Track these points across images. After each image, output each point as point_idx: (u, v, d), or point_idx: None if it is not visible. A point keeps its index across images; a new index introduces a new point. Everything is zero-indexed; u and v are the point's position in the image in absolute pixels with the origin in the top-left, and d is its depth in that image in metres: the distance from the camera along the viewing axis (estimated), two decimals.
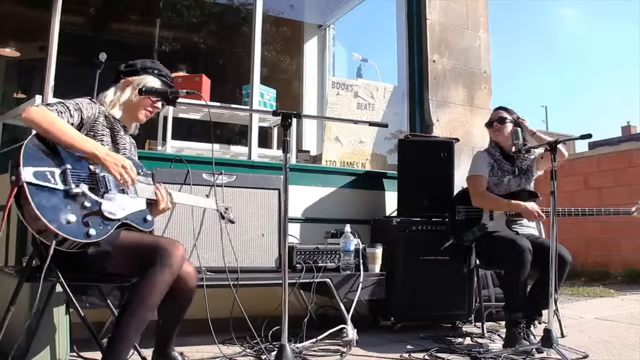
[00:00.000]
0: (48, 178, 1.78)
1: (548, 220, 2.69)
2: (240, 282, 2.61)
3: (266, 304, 2.88)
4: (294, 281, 2.76)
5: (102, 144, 2.00)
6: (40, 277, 1.82)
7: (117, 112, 2.15)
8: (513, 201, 2.97)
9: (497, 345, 2.77)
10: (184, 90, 2.23)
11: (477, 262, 3.24)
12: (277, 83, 5.31)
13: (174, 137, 4.07)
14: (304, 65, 5.83)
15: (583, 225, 6.64)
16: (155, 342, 2.12)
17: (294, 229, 3.39)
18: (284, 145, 2.16)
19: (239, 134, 6.25)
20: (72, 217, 1.77)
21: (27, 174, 1.73)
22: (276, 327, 2.73)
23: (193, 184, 2.73)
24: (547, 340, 2.47)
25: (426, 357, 2.63)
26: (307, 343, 2.71)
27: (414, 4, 4.42)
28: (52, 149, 1.85)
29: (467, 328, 3.39)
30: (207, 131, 4.77)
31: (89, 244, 1.84)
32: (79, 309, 1.96)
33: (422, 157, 3.51)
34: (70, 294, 1.94)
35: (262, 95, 4.07)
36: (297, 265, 2.91)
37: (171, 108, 3.97)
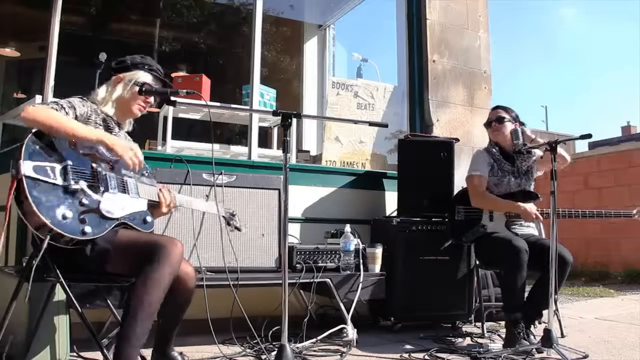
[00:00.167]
0: (48, 173, 1.78)
1: (548, 220, 2.69)
2: (240, 282, 2.61)
3: (266, 304, 2.88)
4: (294, 281, 2.76)
5: None
6: (40, 276, 1.83)
7: (109, 109, 2.14)
8: (512, 202, 2.97)
9: (497, 345, 2.77)
10: (184, 90, 2.23)
11: (477, 262, 3.24)
12: (277, 83, 5.31)
13: (174, 137, 4.08)
14: (304, 65, 5.84)
15: (583, 225, 6.63)
16: (155, 342, 2.12)
17: (294, 229, 3.39)
18: (284, 145, 2.16)
19: (239, 134, 6.25)
20: (69, 213, 1.77)
21: (27, 167, 1.73)
22: (276, 327, 2.74)
23: (193, 184, 2.73)
24: (547, 340, 2.47)
25: (426, 357, 2.63)
26: (307, 343, 2.71)
27: (414, 4, 4.42)
28: (54, 146, 1.85)
29: (467, 328, 3.39)
30: (207, 131, 4.78)
31: (84, 241, 1.83)
32: (79, 309, 1.96)
33: (422, 157, 3.51)
34: (70, 294, 1.93)
35: (262, 95, 4.08)
36: (297, 265, 2.91)
37: (171, 108, 3.98)
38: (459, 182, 3.50)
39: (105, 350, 2.04)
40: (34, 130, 1.84)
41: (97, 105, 2.11)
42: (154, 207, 2.11)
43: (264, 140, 4.84)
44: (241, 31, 6.58)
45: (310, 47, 5.87)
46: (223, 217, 2.44)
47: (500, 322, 3.38)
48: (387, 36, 4.97)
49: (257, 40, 3.85)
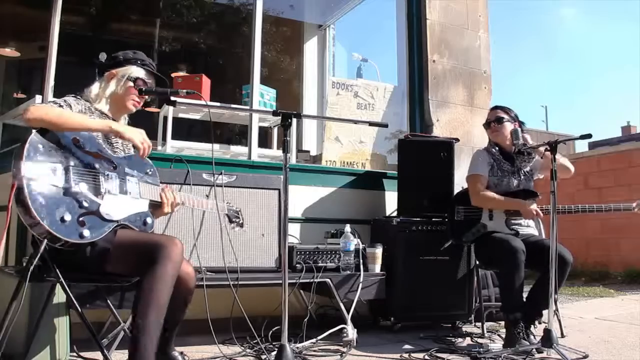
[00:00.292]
0: (49, 175, 1.78)
1: (548, 219, 2.68)
2: (240, 282, 2.61)
3: (266, 304, 2.88)
4: (294, 281, 2.76)
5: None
6: (40, 276, 1.82)
7: (104, 106, 2.13)
8: (511, 199, 2.98)
9: (497, 345, 2.77)
10: (184, 90, 2.23)
11: (477, 262, 3.24)
12: (277, 83, 5.31)
13: (174, 137, 4.08)
14: (304, 65, 5.84)
15: (583, 225, 6.64)
16: None
17: (294, 229, 3.39)
18: (284, 145, 2.16)
19: (239, 134, 6.26)
20: (68, 216, 1.76)
21: (28, 169, 1.73)
22: (276, 327, 2.74)
23: (193, 184, 2.73)
24: (547, 340, 2.47)
25: (426, 357, 2.63)
26: (307, 343, 2.71)
27: (414, 4, 4.42)
28: (57, 145, 1.84)
29: (467, 328, 3.39)
30: (207, 131, 4.78)
31: (82, 245, 1.83)
32: (79, 309, 1.96)
33: (422, 157, 3.51)
34: (70, 294, 1.93)
35: (262, 95, 4.08)
36: (297, 265, 2.91)
37: (171, 108, 3.98)
38: (459, 182, 3.50)
39: (105, 350, 2.04)
40: (37, 129, 1.82)
41: (90, 102, 2.10)
42: (156, 206, 2.11)
43: (264, 140, 4.84)
44: (241, 31, 6.58)
45: (310, 47, 5.87)
46: (227, 215, 2.44)
47: (500, 322, 3.38)
48: (387, 36, 4.98)
49: (257, 40, 3.85)
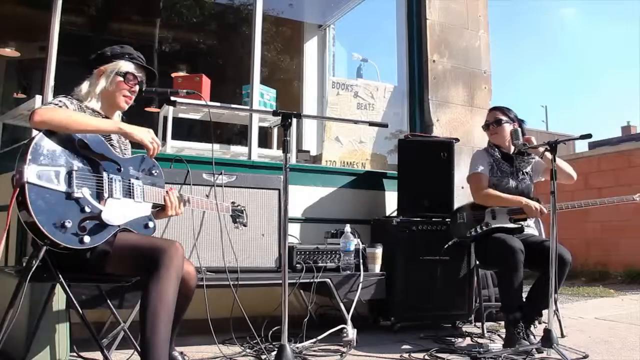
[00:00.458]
0: (51, 179, 1.76)
1: (548, 219, 2.68)
2: (240, 282, 2.61)
3: (266, 304, 2.88)
4: (294, 281, 2.76)
5: None
6: (40, 276, 1.82)
7: (95, 104, 2.10)
8: (514, 196, 2.97)
9: (497, 345, 2.77)
10: (184, 90, 2.22)
11: (477, 262, 3.24)
12: (277, 83, 5.32)
13: (174, 137, 4.08)
14: (304, 65, 5.83)
15: (583, 225, 6.64)
16: None
17: (294, 229, 3.39)
18: (284, 145, 2.16)
19: (239, 134, 6.25)
20: (69, 223, 1.75)
21: (31, 173, 1.71)
22: (276, 327, 2.73)
23: (193, 184, 2.73)
24: (547, 340, 2.47)
25: (426, 357, 2.63)
26: (307, 343, 2.71)
27: (414, 4, 4.42)
28: (63, 147, 1.83)
29: (467, 328, 3.39)
30: (207, 131, 4.77)
31: (83, 250, 1.83)
32: (79, 309, 1.96)
33: (422, 157, 3.51)
34: (70, 294, 1.93)
35: (262, 95, 4.07)
36: (297, 265, 2.91)
37: (171, 108, 3.98)
38: (459, 182, 3.50)
39: (105, 350, 2.05)
40: (44, 130, 1.81)
41: (81, 101, 2.08)
42: (159, 209, 2.11)
43: (264, 140, 4.83)
44: (241, 31, 6.58)
45: (310, 47, 5.87)
46: (231, 216, 2.44)
47: (500, 322, 3.38)
48: (387, 36, 4.98)
49: (257, 40, 3.85)
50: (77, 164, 1.84)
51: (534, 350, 2.57)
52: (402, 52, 4.47)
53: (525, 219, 3.02)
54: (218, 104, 4.01)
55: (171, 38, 6.94)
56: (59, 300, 2.23)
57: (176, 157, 3.04)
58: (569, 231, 5.89)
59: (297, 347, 2.63)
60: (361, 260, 3.02)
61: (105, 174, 1.92)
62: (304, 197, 3.53)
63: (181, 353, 2.20)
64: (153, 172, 2.11)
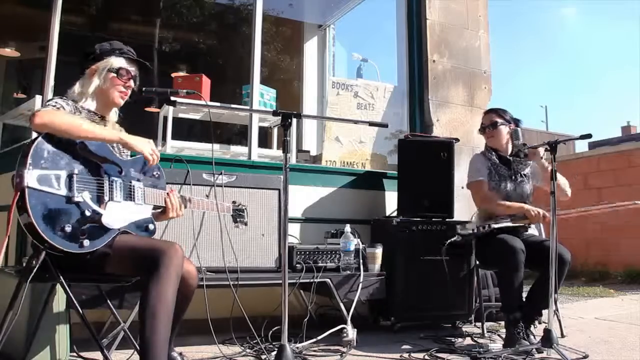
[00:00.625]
0: (52, 183, 1.76)
1: (548, 220, 2.68)
2: (240, 282, 2.61)
3: (266, 304, 2.88)
4: (294, 281, 2.76)
5: None
6: (40, 276, 1.82)
7: (90, 104, 2.08)
8: (516, 203, 2.97)
9: (497, 345, 2.77)
10: (184, 90, 2.22)
11: (477, 262, 3.24)
12: (277, 83, 5.32)
13: (174, 137, 4.08)
14: (304, 65, 5.84)
15: (583, 225, 6.63)
16: None
17: (294, 229, 3.39)
18: (284, 145, 2.16)
19: (239, 134, 6.25)
20: (68, 227, 1.75)
21: (31, 177, 1.71)
22: (276, 327, 2.73)
23: (193, 184, 2.73)
24: (547, 340, 2.47)
25: (426, 357, 2.63)
26: (307, 343, 2.71)
27: (414, 4, 4.42)
28: (64, 150, 1.82)
29: (467, 328, 3.39)
30: (207, 131, 4.77)
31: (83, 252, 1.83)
32: (79, 309, 1.96)
33: (422, 157, 3.51)
34: (70, 294, 1.93)
35: (262, 95, 4.07)
36: (297, 265, 2.91)
37: (171, 108, 3.98)
38: (459, 182, 3.50)
39: (105, 350, 2.04)
40: (44, 133, 1.80)
41: (76, 102, 2.06)
42: (160, 211, 2.11)
43: (264, 140, 4.83)
44: (241, 31, 6.58)
45: (310, 47, 5.87)
46: (232, 216, 2.44)
47: (500, 322, 3.38)
48: (387, 36, 4.98)
49: (257, 40, 3.85)
50: (77, 167, 1.84)
51: (534, 350, 2.57)
52: (402, 52, 4.47)
53: (528, 225, 3.01)
54: (218, 104, 4.01)
55: (171, 38, 6.95)
56: (59, 300, 2.23)
57: (176, 157, 3.03)
58: (569, 231, 5.88)
59: (297, 347, 2.64)
60: (361, 260, 3.02)
61: (106, 177, 1.91)
62: (304, 197, 3.53)
63: (180, 354, 2.20)
64: (154, 173, 2.11)
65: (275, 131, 4.66)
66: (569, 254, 2.80)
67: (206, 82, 4.07)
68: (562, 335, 3.06)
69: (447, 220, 3.39)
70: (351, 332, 2.72)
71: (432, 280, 3.25)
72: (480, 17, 4.63)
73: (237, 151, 4.51)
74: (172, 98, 2.25)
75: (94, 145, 1.91)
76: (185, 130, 5.72)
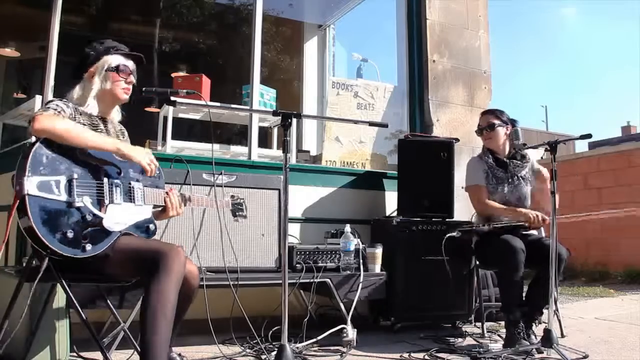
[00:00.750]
0: (52, 189, 1.76)
1: (547, 222, 2.68)
2: (240, 282, 2.61)
3: (266, 304, 2.88)
4: (294, 281, 2.76)
5: None
6: (41, 277, 1.82)
7: (93, 108, 2.07)
8: (515, 209, 2.97)
9: (497, 345, 2.77)
10: (184, 90, 2.22)
11: (477, 262, 3.24)
12: (277, 83, 5.32)
13: (174, 137, 4.08)
14: (304, 65, 5.84)
15: (583, 225, 6.62)
16: None
17: (294, 229, 3.38)
18: (284, 145, 2.16)
19: (239, 134, 6.25)
20: (70, 233, 1.75)
21: (30, 185, 1.70)
22: (276, 327, 2.73)
23: (193, 184, 2.73)
24: (547, 340, 2.47)
25: (426, 357, 2.63)
26: (307, 343, 2.71)
27: (414, 4, 4.42)
28: (63, 154, 1.82)
29: (467, 328, 3.39)
30: (207, 131, 4.77)
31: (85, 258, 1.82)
32: (79, 309, 1.96)
33: (422, 157, 3.51)
34: (70, 294, 1.93)
35: (262, 95, 4.07)
36: (297, 265, 2.91)
37: (171, 108, 3.98)
38: (459, 182, 3.50)
39: (105, 350, 2.04)
40: (43, 137, 1.80)
41: (76, 105, 2.05)
42: (160, 210, 2.11)
43: (264, 140, 4.84)
44: (241, 31, 6.58)
45: (310, 47, 5.87)
46: (231, 210, 2.44)
47: (500, 322, 3.38)
48: (387, 36, 4.98)
49: (257, 40, 3.85)
50: (77, 171, 1.84)
51: (534, 350, 2.57)
52: (402, 52, 4.47)
53: (527, 229, 3.01)
54: (218, 104, 4.01)
55: (171, 38, 6.95)
56: (59, 300, 2.23)
57: (176, 157, 3.04)
58: (568, 231, 5.87)
59: (297, 347, 2.64)
60: (361, 260, 3.02)
61: (105, 180, 1.92)
62: (303, 197, 3.53)
63: (179, 354, 2.20)
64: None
65: (275, 131, 4.66)
66: (565, 250, 2.81)
67: (206, 82, 4.07)
68: (562, 335, 3.06)
69: (447, 220, 3.39)
70: (351, 332, 2.72)
71: (432, 280, 3.25)
72: (480, 17, 4.63)
73: (237, 151, 4.51)
74: (172, 98, 2.25)
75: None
76: (185, 130, 5.72)
